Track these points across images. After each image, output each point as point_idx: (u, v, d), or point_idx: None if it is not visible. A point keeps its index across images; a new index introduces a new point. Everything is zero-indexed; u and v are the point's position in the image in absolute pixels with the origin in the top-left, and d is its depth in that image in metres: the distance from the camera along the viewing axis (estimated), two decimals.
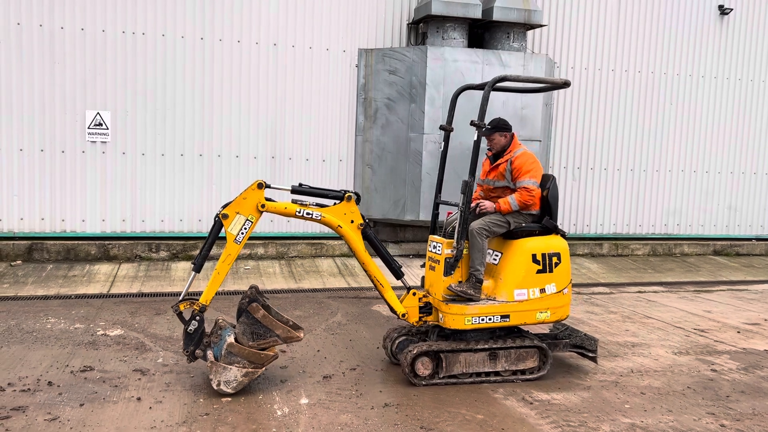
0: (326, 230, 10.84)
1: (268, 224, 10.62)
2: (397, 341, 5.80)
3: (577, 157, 11.93)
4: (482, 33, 10.87)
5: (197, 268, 5.19)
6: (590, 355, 5.73)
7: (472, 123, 5.41)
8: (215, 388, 4.88)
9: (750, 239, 12.99)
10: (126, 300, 8.04)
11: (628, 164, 12.12)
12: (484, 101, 5.37)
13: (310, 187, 5.48)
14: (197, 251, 10.09)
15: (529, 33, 11.19)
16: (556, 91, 11.37)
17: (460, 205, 5.39)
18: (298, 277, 9.51)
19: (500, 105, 10.37)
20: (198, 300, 5.11)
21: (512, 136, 5.76)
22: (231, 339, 5.02)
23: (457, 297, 5.39)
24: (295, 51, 10.47)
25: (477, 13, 10.33)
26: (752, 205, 12.96)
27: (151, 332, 6.63)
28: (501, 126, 5.69)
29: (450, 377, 5.37)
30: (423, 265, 6.02)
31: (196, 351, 5.07)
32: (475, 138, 5.43)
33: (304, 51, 10.51)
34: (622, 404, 5.04)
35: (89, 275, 9.11)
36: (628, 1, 11.83)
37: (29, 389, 4.95)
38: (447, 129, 6.06)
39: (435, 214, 6.09)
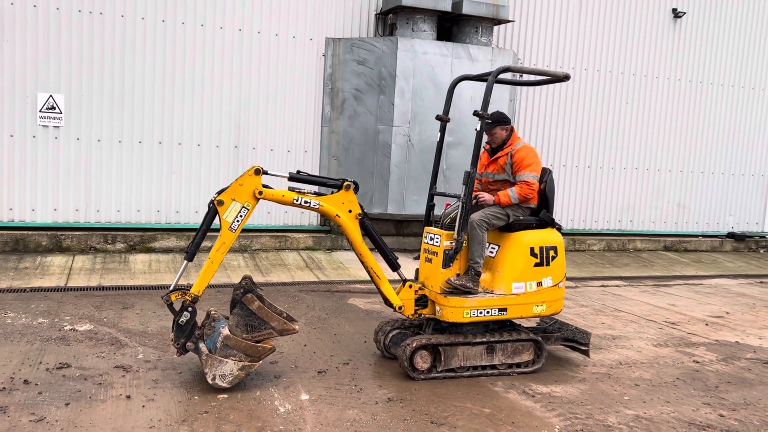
0: (290, 222, 10.63)
1: None
2: (390, 335, 5.68)
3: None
4: (450, 26, 10.83)
5: (189, 257, 4.97)
6: (582, 348, 5.75)
7: (475, 113, 5.31)
8: (210, 382, 4.66)
9: (697, 236, 13.46)
10: (87, 294, 7.61)
11: (585, 161, 12.36)
12: (488, 92, 5.29)
13: (309, 175, 5.33)
14: (156, 243, 9.73)
15: (496, 28, 11.22)
16: (519, 88, 11.46)
17: (462, 196, 5.30)
18: (264, 271, 9.24)
19: (468, 99, 10.38)
20: (189, 290, 4.87)
21: (512, 129, 5.71)
22: (226, 331, 4.80)
23: (455, 290, 5.30)
24: (260, 37, 10.17)
25: (447, 6, 10.28)
26: (699, 202, 13.44)
27: (123, 327, 6.28)
28: (502, 120, 5.63)
29: (448, 371, 5.28)
30: (417, 257, 5.90)
31: (188, 344, 4.81)
32: (478, 128, 5.34)
33: (270, 38, 10.22)
34: (621, 396, 5.07)
35: (42, 267, 8.59)
36: (589, 1, 12.04)
37: (4, 388, 4.58)
38: (444, 119, 5.96)
39: (431, 206, 5.98)
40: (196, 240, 5.00)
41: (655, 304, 8.56)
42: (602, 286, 9.75)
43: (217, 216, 4.98)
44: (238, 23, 10.01)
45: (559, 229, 5.72)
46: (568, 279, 10.00)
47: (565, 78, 5.46)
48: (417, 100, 10.16)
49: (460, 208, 5.31)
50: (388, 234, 11.01)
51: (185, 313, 4.78)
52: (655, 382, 5.45)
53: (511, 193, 5.45)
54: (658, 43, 12.64)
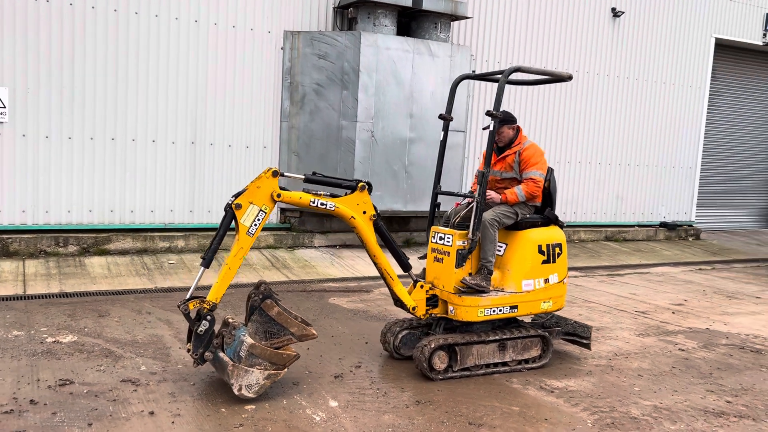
0: None
1: (188, 215, 9.94)
2: (399, 336, 5.64)
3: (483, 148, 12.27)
4: (408, 22, 10.83)
5: (206, 263, 4.75)
6: (584, 341, 5.92)
7: (488, 113, 5.35)
8: (236, 393, 4.48)
9: (633, 225, 14.12)
10: (52, 302, 7.14)
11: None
12: (500, 91, 5.32)
13: (324, 176, 5.24)
14: (111, 244, 9.25)
15: (454, 24, 11.31)
16: (474, 84, 11.63)
17: (477, 195, 5.33)
18: None
19: (429, 95, 10.44)
20: (206, 298, 4.68)
21: (518, 128, 5.77)
22: (250, 340, 4.64)
23: (468, 289, 5.33)
24: (217, 29, 9.82)
25: (407, 1, 10.27)
26: (635, 194, 14.09)
27: (109, 337, 5.94)
28: (509, 119, 5.68)
29: (463, 370, 5.31)
30: (423, 257, 5.89)
31: (206, 354, 4.61)
32: (491, 128, 5.38)
33: (227, 30, 9.90)
34: (631, 387, 5.26)
35: None
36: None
37: (12, 410, 4.24)
38: (447, 118, 5.95)
39: (437, 204, 5.98)
40: (213, 245, 4.79)
41: (618, 294, 8.92)
42: (576, 276, 10.06)
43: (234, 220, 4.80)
44: (194, 14, 9.62)
45: (561, 226, 5.84)
46: None
47: (569, 78, 5.56)
48: (380, 95, 10.11)
49: (474, 207, 5.34)
50: (348, 230, 10.91)
51: (203, 322, 4.58)
52: (655, 371, 5.68)
53: (518, 191, 5.52)
54: (598, 41, 13.12)
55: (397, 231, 11.28)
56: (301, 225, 10.68)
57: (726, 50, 15.17)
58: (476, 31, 11.82)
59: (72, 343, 5.69)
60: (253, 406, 4.50)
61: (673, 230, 14.37)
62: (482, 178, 5.34)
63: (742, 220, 16.67)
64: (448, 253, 5.43)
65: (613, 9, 13.16)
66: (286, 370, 4.70)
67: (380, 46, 10.01)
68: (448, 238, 5.43)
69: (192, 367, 5.11)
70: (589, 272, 10.63)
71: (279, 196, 4.85)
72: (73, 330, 6.08)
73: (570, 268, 10.62)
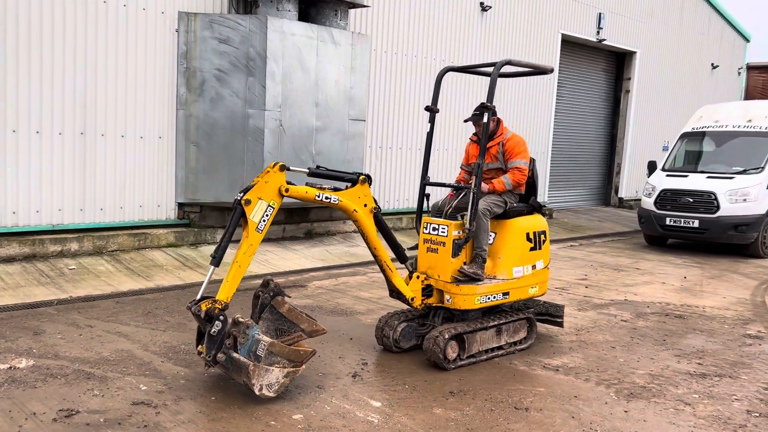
0: (148, 218, 9.61)
1: (78, 214, 8.95)
2: (398, 329, 5.61)
3: (381, 137, 12.46)
4: (307, 8, 10.57)
5: (216, 262, 4.59)
6: (558, 320, 6.28)
7: (482, 105, 5.46)
8: (257, 393, 4.33)
9: None
10: None
11: (417, 144, 13.03)
12: (493, 84, 5.47)
13: (327, 169, 5.19)
14: None
15: (351, 12, 11.23)
16: (378, 72, 11.65)
17: (473, 186, 5.43)
18: (144, 275, 8.25)
19: (333, 83, 10.32)
20: (216, 298, 4.49)
21: (498, 120, 5.94)
22: (268, 338, 4.48)
23: (464, 278, 5.43)
24: (107, 7, 8.89)
25: None
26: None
27: (71, 356, 5.24)
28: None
29: (469, 357, 5.42)
30: (413, 248, 5.88)
31: (218, 355, 4.40)
32: (485, 120, 5.49)
33: (118, 9, 8.99)
34: (616, 359, 5.71)
35: None
36: None
37: None
38: (433, 110, 5.99)
39: (426, 195, 6.00)
40: (222, 243, 4.64)
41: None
42: None
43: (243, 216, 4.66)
44: None
45: (543, 213, 6.13)
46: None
47: (550, 71, 5.86)
48: (287, 83, 9.80)
49: (471, 197, 5.43)
50: (275, 222, 10.51)
51: (216, 322, 4.40)
52: (622, 342, 6.21)
53: (506, 180, 5.72)
54: (469, 34, 13.75)
55: (298, 222, 11.05)
56: (201, 220, 10.06)
57: (569, 45, 16.62)
58: (368, 20, 11.84)
59: (34, 368, 4.94)
60: (300, 416, 4.26)
61: None
62: (477, 169, 5.45)
63: (582, 199, 18.45)
64: (444, 243, 5.49)
65: (482, 3, 13.85)
66: (304, 366, 4.59)
67: (286, 31, 9.68)
68: (443, 228, 5.49)
69: (196, 375, 4.71)
70: None
71: (287, 191, 4.78)
72: (21, 353, 5.27)
73: None
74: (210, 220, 10.10)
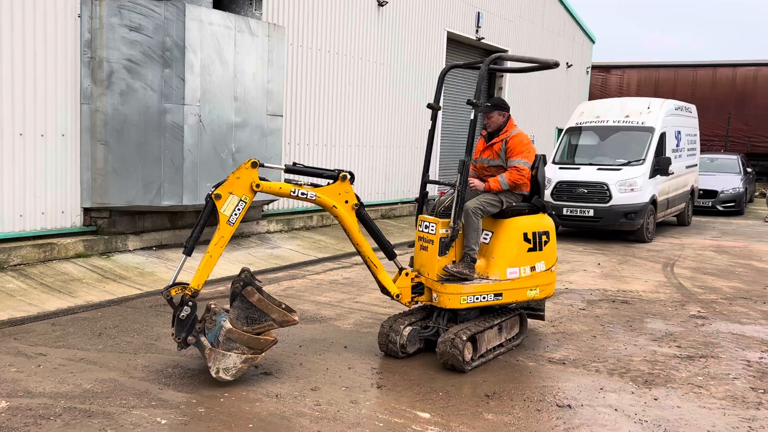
0: (52, 226, 8.58)
1: None
2: (404, 333, 5.40)
3: (299, 133, 12.04)
4: None
5: (188, 251, 4.90)
6: (540, 313, 6.35)
7: (468, 102, 5.39)
8: (214, 375, 4.57)
9: (397, 203, 15.16)
10: None
11: (321, 139, 12.73)
12: (481, 79, 5.41)
13: (305, 166, 5.23)
14: None
15: (264, 2, 10.68)
16: (297, 65, 11.16)
17: (457, 184, 5.34)
18: (65, 291, 7.31)
19: (251, 76, 9.79)
20: (188, 285, 4.77)
21: (509, 116, 5.86)
22: (228, 325, 4.68)
23: (451, 277, 5.35)
24: None
25: None
26: (399, 174, 15.12)
27: (47, 392, 4.50)
28: (500, 105, 5.76)
29: (480, 357, 5.35)
30: (412, 245, 5.69)
31: (188, 338, 4.73)
32: (472, 117, 5.42)
33: None
34: (606, 347, 5.90)
35: None
36: None
37: None
38: (435, 108, 5.87)
39: (425, 194, 5.83)
40: (194, 234, 4.90)
41: None
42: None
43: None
44: None
45: (550, 214, 6.10)
46: (352, 255, 10.39)
47: (555, 65, 5.75)
48: (206, 76, 9.11)
49: (455, 195, 5.33)
50: (164, 228, 9.72)
51: (185, 307, 4.71)
52: (598, 331, 6.44)
53: (501, 179, 5.63)
54: (367, 29, 13.63)
55: (212, 225, 10.34)
56: (110, 226, 9.10)
57: (453, 43, 17.04)
58: (280, 11, 11.34)
59: (12, 410, 4.17)
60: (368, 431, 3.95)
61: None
62: (462, 167, 5.35)
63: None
64: (432, 241, 5.40)
65: None
66: (263, 354, 4.79)
67: (204, 20, 9.00)
68: (432, 226, 5.40)
69: (212, 404, 4.24)
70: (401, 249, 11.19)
71: (258, 186, 4.88)
72: None
73: (397, 245, 11.08)
74: (120, 225, 9.18)
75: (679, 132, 14.68)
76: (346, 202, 5.17)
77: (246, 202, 4.84)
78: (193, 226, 10.31)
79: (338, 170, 5.15)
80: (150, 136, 8.81)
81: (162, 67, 8.76)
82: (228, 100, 9.47)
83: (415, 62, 15.17)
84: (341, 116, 13.10)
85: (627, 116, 13.81)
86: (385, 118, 14.45)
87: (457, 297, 5.31)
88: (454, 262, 5.45)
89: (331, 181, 5.16)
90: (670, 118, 14.12)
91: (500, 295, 5.58)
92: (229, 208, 4.80)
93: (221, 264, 8.99)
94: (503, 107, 5.82)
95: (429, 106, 5.94)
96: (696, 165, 16.41)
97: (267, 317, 4.78)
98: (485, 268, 5.64)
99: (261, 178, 4.90)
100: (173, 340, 4.80)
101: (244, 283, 4.82)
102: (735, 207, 18.52)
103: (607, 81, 29.97)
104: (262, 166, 4.89)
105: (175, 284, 4.75)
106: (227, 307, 5.02)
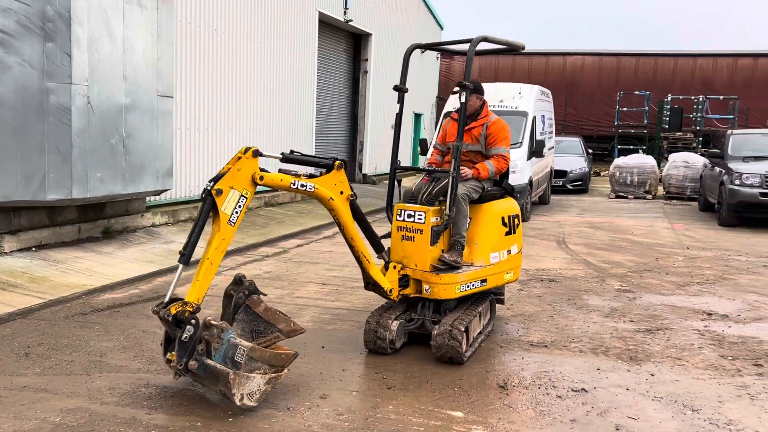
0: None
1: None
2: (393, 328, 5.09)
3: (189, 117, 11.10)
4: None
5: (186, 260, 4.07)
6: (501, 297, 6.32)
7: (459, 84, 5.20)
8: (238, 403, 3.90)
9: (278, 190, 14.57)
10: None
11: (205, 124, 11.87)
12: (470, 61, 5.24)
13: (302, 155, 4.72)
14: None
15: None
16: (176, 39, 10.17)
17: (452, 170, 5.16)
18: None
19: (141, 54, 8.84)
20: (186, 299, 3.98)
21: (484, 101, 5.68)
22: (247, 342, 4.10)
23: (445, 266, 5.18)
24: None
25: None
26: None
27: (14, 429, 3.69)
28: (479, 89, 5.56)
29: (470, 346, 5.20)
30: (386, 236, 5.37)
31: (190, 363, 3.90)
32: (462, 99, 5.24)
33: None
34: (571, 327, 5.99)
35: None
36: None
37: None
38: (402, 89, 5.54)
39: (398, 181, 5.49)
40: (192, 239, 4.07)
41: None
42: (299, 245, 10.01)
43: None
44: None
45: (515, 197, 6.03)
46: (260, 246, 9.85)
47: (522, 48, 5.76)
48: (94, 52, 8.03)
49: (450, 182, 5.16)
50: (43, 226, 8.52)
51: (188, 327, 3.91)
52: (549, 312, 6.54)
53: (490, 167, 5.51)
54: (247, 5, 12.88)
55: (94, 220, 9.24)
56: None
57: (323, 25, 16.62)
58: None
59: None
60: None
61: None
62: (457, 152, 5.18)
63: None
64: (421, 231, 5.16)
65: None
66: (286, 371, 4.21)
67: None
68: (420, 215, 5.15)
69: (219, 427, 3.72)
70: (306, 237, 10.78)
71: (262, 178, 4.31)
72: None
73: (288, 236, 10.65)
74: None
75: (543, 116, 15.50)
76: (341, 193, 4.73)
77: (247, 198, 4.21)
78: (108, 216, 9.18)
79: (333, 158, 4.72)
80: (30, 120, 7.62)
81: (43, 40, 7.59)
82: (118, 79, 8.46)
83: (289, 43, 14.61)
84: (218, 99, 12.27)
85: (501, 101, 14.30)
86: (265, 100, 13.79)
87: (452, 287, 5.15)
88: (443, 250, 5.27)
89: (324, 170, 4.69)
90: (538, 102, 14.86)
91: (485, 281, 5.48)
92: (230, 205, 4.12)
93: (121, 264, 8.08)
94: (481, 91, 5.67)
95: (396, 88, 5.66)
96: (553, 147, 17.49)
97: (273, 328, 4.39)
98: (469, 254, 5.49)
99: (261, 169, 4.29)
100: (170, 368, 4.06)
101: (249, 291, 4.32)
102: (582, 185, 20.03)
103: (451, 67, 31.05)
104: (261, 155, 4.29)
105: (172, 300, 4.01)
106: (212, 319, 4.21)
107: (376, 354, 5.11)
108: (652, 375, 4.83)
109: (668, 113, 25.93)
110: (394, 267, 5.14)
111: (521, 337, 5.68)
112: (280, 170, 4.56)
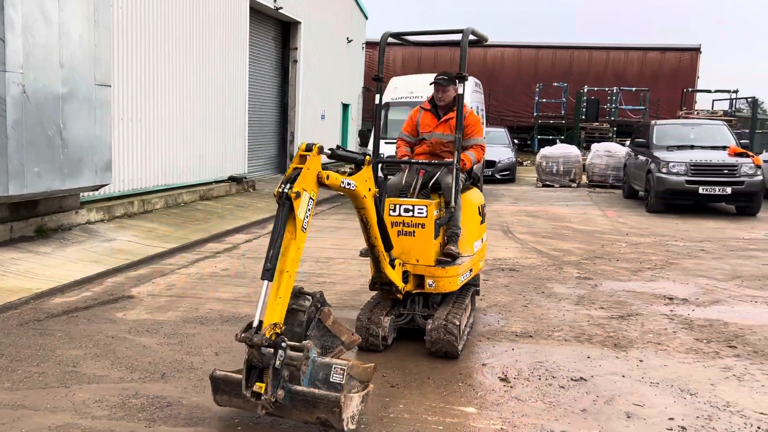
0: None
1: None
2: (385, 325, 4.98)
3: (128, 107, 10.53)
4: None
5: (271, 275, 3.52)
6: (477, 288, 6.29)
7: (458, 75, 5.15)
8: (345, 429, 3.44)
9: (212, 183, 14.08)
10: None
11: (138, 115, 11.28)
12: (464, 52, 5.21)
13: (344, 150, 4.37)
14: None
15: None
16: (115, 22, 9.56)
17: (455, 162, 5.11)
18: None
19: (77, 39, 8.31)
20: (272, 321, 3.45)
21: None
22: (339, 360, 3.75)
23: (449, 259, 5.14)
24: None
25: None
26: (211, 151, 14.04)
27: None
28: (453, 80, 5.51)
29: (461, 339, 5.15)
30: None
31: (278, 391, 3.38)
32: (461, 91, 5.19)
33: None
34: (548, 317, 6.05)
35: None
36: None
37: None
38: (381, 79, 5.39)
39: (385, 174, 5.34)
40: (275, 251, 3.54)
41: (334, 246, 9.26)
42: (247, 241, 9.70)
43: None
44: None
45: (480, 188, 6.03)
46: (199, 241, 9.48)
47: (486, 40, 5.77)
48: (28, 36, 7.43)
49: (454, 174, 5.13)
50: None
51: (280, 352, 3.37)
52: (521, 301, 6.59)
53: (472, 157, 5.50)
54: None
55: (27, 218, 8.60)
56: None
57: (254, 12, 16.14)
58: None
59: None
60: None
61: (240, 183, 14.93)
62: (458, 143, 5.16)
63: (263, 168, 18.33)
64: (423, 225, 5.07)
65: None
66: (372, 386, 3.85)
67: None
68: (421, 209, 5.06)
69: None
70: (249, 231, 10.46)
71: (327, 178, 3.90)
72: None
73: (233, 231, 10.33)
74: None
75: (478, 106, 15.68)
76: (369, 189, 4.45)
77: (313, 201, 3.78)
78: (4, 221, 8.50)
79: (363, 153, 4.47)
80: None
81: None
82: (54, 66, 7.89)
83: (223, 30, 14.12)
84: (150, 88, 11.70)
85: (411, 92, 14.36)
86: (199, 90, 13.27)
87: (455, 279, 5.12)
88: (442, 244, 5.23)
89: (353, 167, 4.45)
90: (474, 93, 15.02)
91: (472, 269, 5.49)
92: (302, 210, 3.66)
93: (63, 265, 7.60)
94: (454, 82, 5.63)
95: (375, 78, 5.54)
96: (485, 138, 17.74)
97: (337, 341, 4.05)
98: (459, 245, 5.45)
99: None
100: (256, 402, 3.37)
101: (321, 303, 4.01)
102: (509, 175, 20.48)
103: (374, 57, 30.92)
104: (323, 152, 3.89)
105: (261, 323, 3.46)
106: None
107: (368, 351, 4.97)
108: (641, 361, 4.94)
109: (585, 104, 26.88)
110: (401, 264, 5.00)
111: (503, 328, 5.68)
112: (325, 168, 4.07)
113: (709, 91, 29.69)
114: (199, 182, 13.47)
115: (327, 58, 21.33)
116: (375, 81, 5.56)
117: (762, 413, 4.05)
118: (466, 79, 5.27)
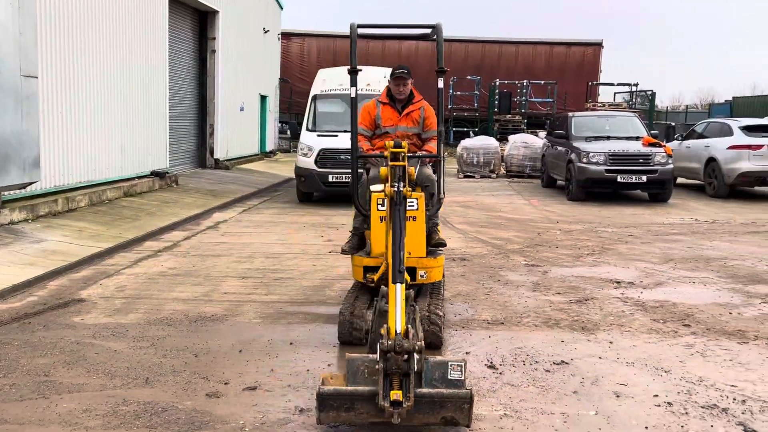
0: None
1: None
2: (368, 318, 4.98)
3: (55, 99, 9.93)
4: None
5: (402, 278, 3.78)
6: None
7: (440, 70, 5.23)
8: (471, 426, 3.51)
9: (134, 178, 13.52)
10: None
11: (64, 107, 10.67)
12: (441, 45, 5.33)
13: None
14: None
15: None
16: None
17: (440, 154, 5.26)
18: None
19: (2, 29, 7.76)
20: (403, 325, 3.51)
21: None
22: (454, 357, 4.01)
23: (438, 249, 5.32)
24: None
25: None
26: (134, 145, 13.47)
27: None
28: (409, 73, 5.59)
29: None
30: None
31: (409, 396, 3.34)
32: (441, 85, 5.28)
33: None
34: (512, 304, 6.22)
35: None
36: None
37: None
38: (357, 71, 5.35)
39: (366, 169, 5.36)
40: (402, 253, 3.85)
41: (279, 242, 9.12)
42: (186, 238, 9.40)
43: None
44: None
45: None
46: (136, 239, 9.14)
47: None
48: None
49: (440, 166, 5.26)
50: None
51: (416, 356, 3.35)
52: (482, 290, 6.74)
53: (436, 148, 5.58)
54: None
55: None
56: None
57: (173, 2, 15.57)
58: None
59: None
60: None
61: (162, 178, 14.40)
62: (440, 137, 5.29)
63: (181, 162, 17.72)
64: (414, 217, 5.12)
65: None
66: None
67: None
68: (413, 201, 5.09)
69: None
70: (185, 227, 10.15)
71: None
72: None
73: (169, 227, 10.00)
74: None
75: None
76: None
77: None
78: None
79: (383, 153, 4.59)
80: None
81: None
82: None
83: (142, 20, 13.56)
84: (73, 79, 11.09)
85: (368, 84, 14.29)
86: (119, 78, 12.69)
87: (441, 268, 5.35)
88: (429, 234, 5.37)
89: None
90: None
91: None
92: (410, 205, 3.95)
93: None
94: (411, 75, 5.72)
95: (350, 71, 5.50)
96: None
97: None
98: None
99: None
100: (395, 411, 3.26)
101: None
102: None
103: (289, 48, 30.60)
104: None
105: (407, 329, 3.44)
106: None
107: (351, 345, 4.96)
108: (611, 343, 5.18)
109: (498, 97, 27.65)
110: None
111: (474, 317, 5.81)
112: None
113: (612, 84, 31.29)
114: (122, 177, 12.89)
115: (244, 48, 20.89)
116: (350, 74, 5.51)
117: (733, 385, 4.34)
118: (445, 72, 5.35)
